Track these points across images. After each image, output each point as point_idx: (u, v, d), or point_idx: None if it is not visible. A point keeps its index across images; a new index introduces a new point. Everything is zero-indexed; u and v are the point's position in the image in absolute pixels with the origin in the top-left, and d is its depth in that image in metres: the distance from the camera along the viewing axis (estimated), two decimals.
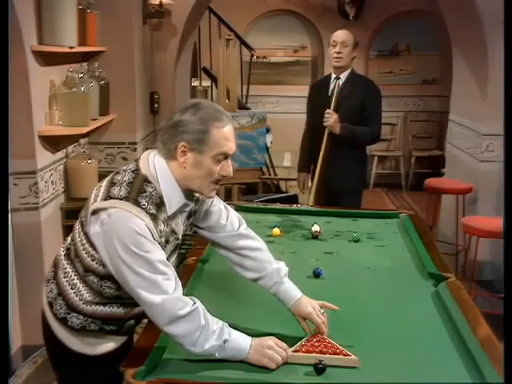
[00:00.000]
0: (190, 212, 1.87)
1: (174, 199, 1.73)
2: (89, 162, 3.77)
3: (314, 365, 1.62)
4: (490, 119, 4.70)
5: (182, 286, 1.66)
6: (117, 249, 1.60)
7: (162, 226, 1.69)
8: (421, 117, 8.14)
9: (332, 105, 3.66)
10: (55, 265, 1.87)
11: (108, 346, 1.87)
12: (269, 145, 6.24)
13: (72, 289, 1.78)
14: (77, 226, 1.79)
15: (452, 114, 5.65)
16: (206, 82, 6.74)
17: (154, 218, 1.65)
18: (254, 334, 1.73)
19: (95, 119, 3.83)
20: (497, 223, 3.85)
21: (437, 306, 2.08)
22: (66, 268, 1.80)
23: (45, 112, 3.42)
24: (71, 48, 3.47)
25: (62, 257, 1.84)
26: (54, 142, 3.50)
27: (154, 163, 1.72)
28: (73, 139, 3.76)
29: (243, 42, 6.78)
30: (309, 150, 3.94)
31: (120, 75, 4.15)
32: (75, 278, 1.78)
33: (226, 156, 1.72)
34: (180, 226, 1.82)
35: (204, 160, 1.68)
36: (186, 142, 1.66)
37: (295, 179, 6.23)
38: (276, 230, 2.83)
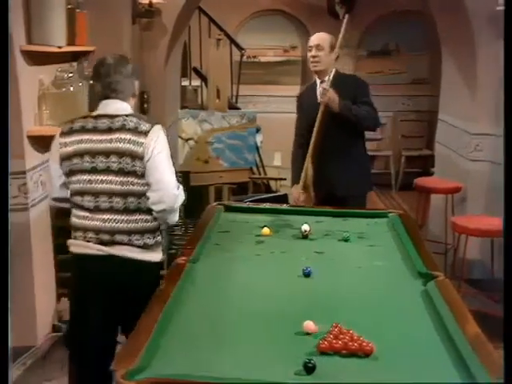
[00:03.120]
0: None
1: None
2: None
3: (304, 364, 1.62)
4: (479, 119, 4.73)
5: (172, 286, 1.68)
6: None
7: None
8: (410, 116, 8.18)
9: (320, 109, 3.52)
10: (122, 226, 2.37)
11: (160, 254, 2.49)
12: (259, 144, 6.25)
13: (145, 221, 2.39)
14: (120, 184, 2.32)
15: (441, 113, 5.68)
16: (196, 82, 6.74)
17: None
18: (244, 333, 1.73)
19: None
20: (486, 222, 3.89)
21: (426, 304, 2.08)
22: (133, 216, 2.36)
23: (34, 112, 3.40)
24: (60, 48, 3.46)
25: (123, 214, 2.35)
26: (43, 142, 3.48)
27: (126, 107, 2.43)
28: None
29: (233, 42, 6.78)
30: (301, 161, 3.65)
31: None
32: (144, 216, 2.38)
33: None
34: None
35: None
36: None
37: (285, 179, 6.27)
38: (266, 230, 2.84)
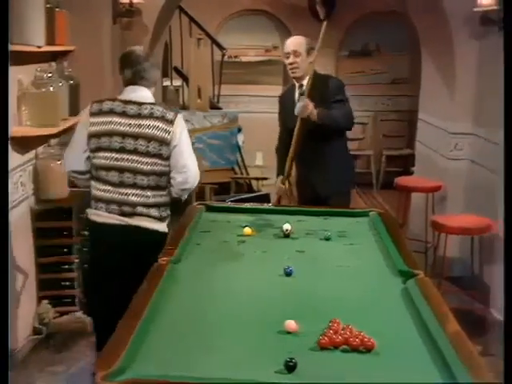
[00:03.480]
0: None
1: None
2: (59, 162, 3.72)
3: (285, 363, 1.63)
4: (459, 118, 4.79)
5: (154, 287, 1.70)
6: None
7: None
8: (391, 116, 8.24)
9: (298, 120, 3.49)
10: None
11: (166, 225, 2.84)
12: (240, 144, 6.26)
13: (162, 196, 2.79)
14: (145, 165, 2.69)
15: (421, 113, 5.74)
16: (178, 82, 6.72)
17: None
18: (225, 333, 1.73)
19: (65, 119, 3.78)
20: (465, 220, 3.93)
21: (406, 302, 2.10)
22: (153, 192, 2.74)
23: (13, 112, 3.37)
24: (39, 47, 3.43)
25: (145, 190, 2.72)
26: (22, 143, 3.44)
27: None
28: (42, 140, 3.71)
29: (214, 42, 6.77)
30: (285, 154, 3.68)
31: (90, 75, 4.10)
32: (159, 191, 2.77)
33: None
34: None
35: None
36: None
37: (267, 178, 6.28)
38: (247, 230, 2.84)
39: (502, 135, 4.32)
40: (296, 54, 3.55)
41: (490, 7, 4.25)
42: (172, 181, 2.76)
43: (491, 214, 4.07)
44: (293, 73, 3.62)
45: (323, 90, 3.54)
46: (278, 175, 3.79)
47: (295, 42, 3.60)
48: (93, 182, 2.79)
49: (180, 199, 2.91)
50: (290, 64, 3.58)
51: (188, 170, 2.75)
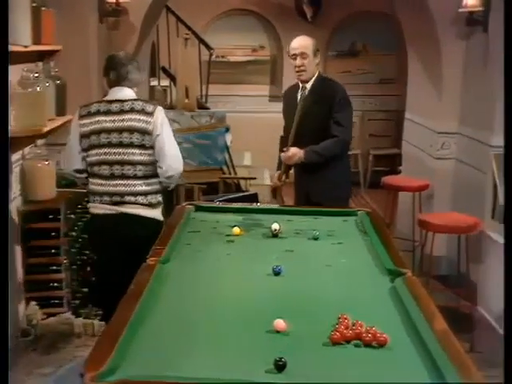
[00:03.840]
0: None
1: None
2: (46, 163, 3.70)
3: (274, 362, 1.63)
4: (445, 117, 4.82)
5: (142, 287, 1.69)
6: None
7: None
8: (378, 116, 8.28)
9: (295, 121, 3.47)
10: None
11: (160, 213, 3.09)
12: (228, 144, 6.25)
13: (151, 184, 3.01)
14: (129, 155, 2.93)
15: (408, 112, 5.77)
16: (165, 82, 6.69)
17: None
18: (215, 332, 1.73)
19: (52, 119, 3.76)
20: (452, 218, 3.96)
21: (394, 301, 2.12)
22: (140, 181, 2.97)
23: None
24: (26, 47, 3.40)
25: (132, 179, 2.95)
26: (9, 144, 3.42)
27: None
28: (29, 140, 3.68)
29: (202, 41, 6.75)
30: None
31: (76, 75, 4.08)
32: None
33: None
34: None
35: None
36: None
37: (255, 178, 6.27)
38: (236, 229, 2.85)
39: (488, 134, 4.38)
40: (303, 56, 3.45)
41: (475, 8, 4.28)
42: (158, 170, 2.98)
43: (478, 213, 4.10)
44: (300, 75, 3.51)
45: (326, 99, 3.47)
46: (277, 169, 3.72)
47: (303, 44, 3.48)
48: (89, 179, 3.05)
49: (168, 187, 3.14)
50: (298, 67, 3.48)
51: (171, 157, 2.96)
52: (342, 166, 3.66)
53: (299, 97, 3.56)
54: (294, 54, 3.48)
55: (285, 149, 3.50)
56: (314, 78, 3.51)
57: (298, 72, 3.51)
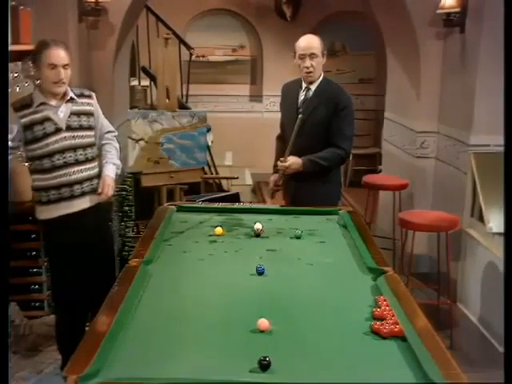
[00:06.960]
0: None
1: None
2: (26, 164, 3.65)
3: (258, 361, 1.64)
4: (424, 117, 4.87)
5: (125, 289, 1.68)
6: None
7: None
8: (358, 115, 8.22)
9: (296, 124, 3.27)
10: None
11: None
12: (210, 144, 6.25)
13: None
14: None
15: (387, 112, 5.82)
16: (145, 82, 6.67)
17: None
18: (198, 333, 1.73)
19: None
20: (432, 217, 4.00)
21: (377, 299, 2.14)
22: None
23: None
24: None
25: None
26: None
27: None
28: None
29: (182, 41, 6.74)
30: (280, 152, 3.52)
31: None
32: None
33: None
34: None
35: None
36: None
37: (237, 177, 6.28)
38: (219, 229, 2.85)
39: (467, 133, 4.41)
40: (312, 56, 3.31)
41: (453, 9, 4.33)
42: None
43: (457, 211, 4.15)
44: (308, 77, 3.35)
45: (329, 104, 3.34)
46: (273, 172, 3.58)
47: (312, 44, 3.34)
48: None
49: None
50: (306, 68, 3.31)
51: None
52: (334, 182, 3.55)
53: (302, 97, 3.42)
54: (302, 55, 3.32)
55: (282, 159, 3.34)
56: (319, 80, 3.38)
57: (306, 73, 3.34)
